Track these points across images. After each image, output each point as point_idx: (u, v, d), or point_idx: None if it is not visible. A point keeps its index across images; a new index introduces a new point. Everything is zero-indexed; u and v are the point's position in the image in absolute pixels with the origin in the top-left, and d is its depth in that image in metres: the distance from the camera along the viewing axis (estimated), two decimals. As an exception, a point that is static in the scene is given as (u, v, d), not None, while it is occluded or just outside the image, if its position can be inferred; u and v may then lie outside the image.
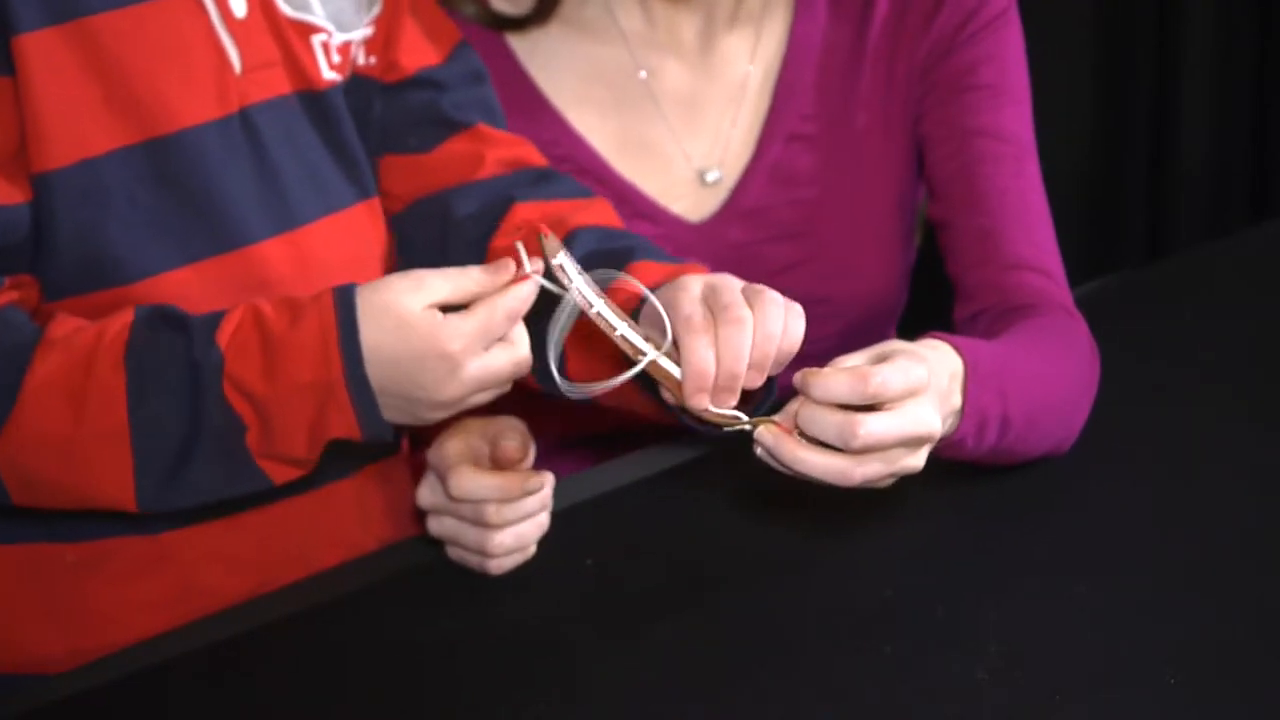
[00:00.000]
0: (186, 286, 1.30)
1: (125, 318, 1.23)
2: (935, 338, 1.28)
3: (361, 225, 1.40)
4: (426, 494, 1.35)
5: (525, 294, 1.19)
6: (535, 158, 1.46)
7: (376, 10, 1.41)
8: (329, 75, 1.37)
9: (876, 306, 1.60)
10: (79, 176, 1.26)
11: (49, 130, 1.25)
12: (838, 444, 1.16)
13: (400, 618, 1.30)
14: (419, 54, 1.45)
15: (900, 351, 1.20)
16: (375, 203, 1.41)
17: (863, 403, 1.16)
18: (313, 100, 1.36)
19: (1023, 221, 1.52)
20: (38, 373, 1.22)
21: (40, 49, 1.24)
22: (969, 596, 1.28)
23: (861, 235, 1.59)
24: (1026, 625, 1.25)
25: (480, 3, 1.56)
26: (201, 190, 1.30)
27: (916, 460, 1.20)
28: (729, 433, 1.19)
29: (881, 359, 1.19)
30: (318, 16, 1.36)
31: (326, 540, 1.40)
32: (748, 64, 1.59)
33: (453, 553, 1.35)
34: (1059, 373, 1.40)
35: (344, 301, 1.20)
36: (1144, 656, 1.22)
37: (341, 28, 1.38)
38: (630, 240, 1.37)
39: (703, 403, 1.18)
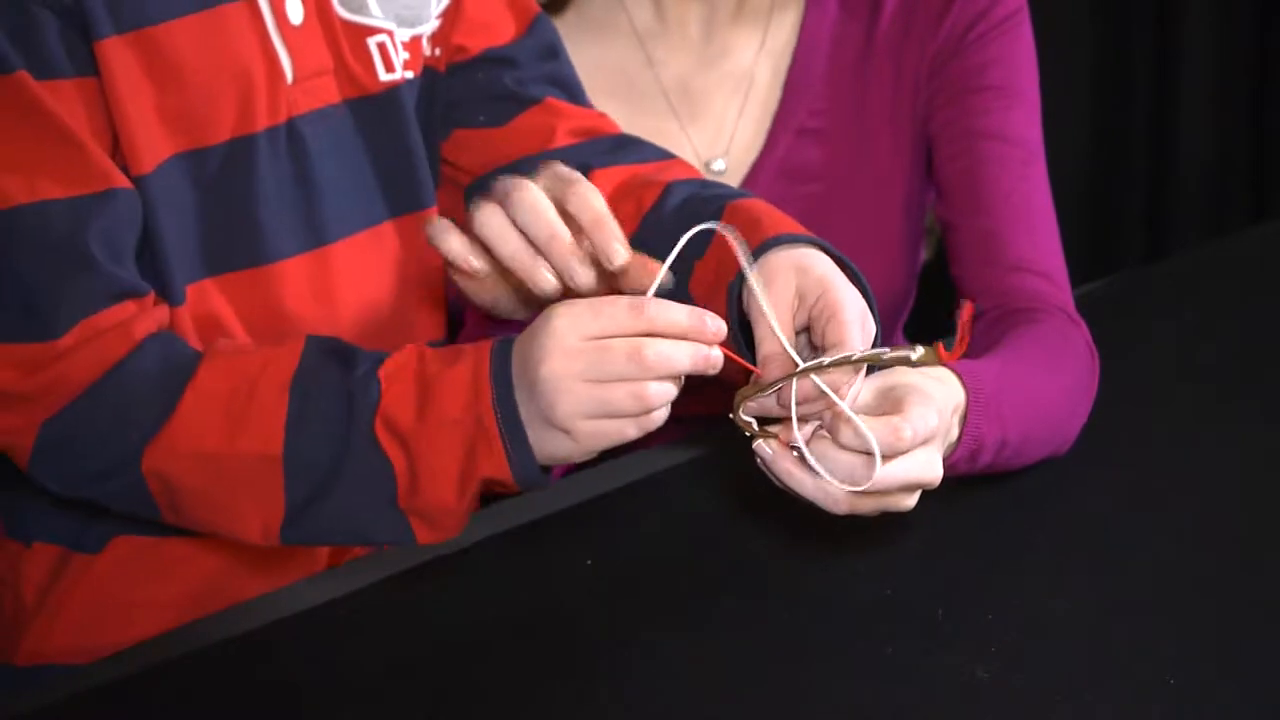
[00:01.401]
0: (211, 299, 1.30)
1: (296, 345, 1.23)
2: (943, 365, 1.26)
3: (402, 239, 1.39)
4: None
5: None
6: (610, 127, 1.45)
7: (446, 2, 1.41)
8: (386, 77, 1.36)
9: (883, 306, 1.60)
10: (159, 182, 1.26)
11: (134, 136, 1.25)
12: (845, 484, 1.16)
13: (396, 619, 1.30)
14: (484, 34, 1.44)
15: (913, 392, 1.18)
16: (429, 214, 1.39)
17: (887, 453, 1.15)
18: (365, 106, 1.35)
19: (1026, 224, 1.52)
20: (200, 384, 1.21)
21: (117, 55, 1.24)
22: (969, 597, 1.28)
23: (868, 232, 1.60)
24: (1026, 626, 1.25)
25: None
26: (240, 203, 1.30)
27: (910, 501, 1.20)
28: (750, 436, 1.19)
29: (892, 397, 1.18)
30: (375, 17, 1.36)
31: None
32: (755, 56, 1.60)
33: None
34: (1057, 386, 1.40)
35: (502, 342, 1.19)
36: (1143, 657, 1.22)
37: (407, 23, 1.37)
38: (723, 187, 1.36)
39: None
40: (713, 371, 1.16)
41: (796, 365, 1.16)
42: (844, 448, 1.15)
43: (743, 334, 1.24)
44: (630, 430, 1.16)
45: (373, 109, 1.36)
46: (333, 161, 1.34)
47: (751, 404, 1.18)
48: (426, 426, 1.19)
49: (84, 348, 1.21)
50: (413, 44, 1.39)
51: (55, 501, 1.31)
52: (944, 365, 1.17)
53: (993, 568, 1.32)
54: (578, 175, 1.22)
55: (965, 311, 1.15)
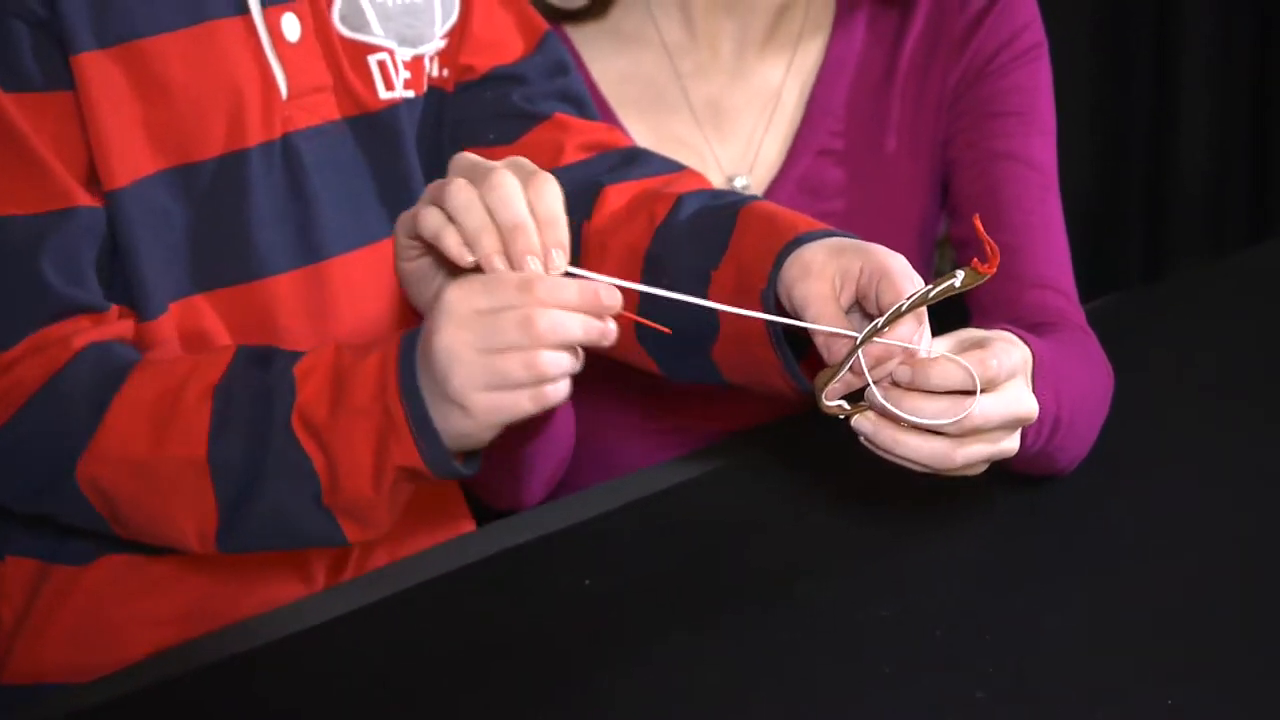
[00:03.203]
0: (200, 315, 1.29)
1: (226, 352, 1.23)
2: (1001, 328, 1.27)
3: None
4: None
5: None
6: (620, 140, 1.45)
7: (452, 22, 1.41)
8: (386, 95, 1.36)
9: None
10: (137, 198, 1.26)
11: (110, 150, 1.25)
12: (949, 427, 1.17)
13: (394, 640, 1.30)
14: (491, 52, 1.44)
15: (995, 337, 1.21)
16: None
17: (974, 388, 1.17)
18: (365, 124, 1.36)
19: (1045, 243, 1.54)
20: (127, 393, 1.21)
21: (97, 69, 1.25)
22: (967, 618, 1.28)
23: None
24: (1024, 646, 1.25)
25: None
26: (233, 218, 1.30)
27: (1012, 442, 1.21)
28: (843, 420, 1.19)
29: (974, 344, 1.20)
30: (377, 36, 1.36)
31: (335, 563, 1.40)
32: (783, 77, 1.62)
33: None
34: (1091, 385, 1.41)
35: (412, 331, 1.19)
36: (1143, 677, 1.22)
37: (409, 42, 1.38)
38: (734, 194, 1.37)
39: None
40: (606, 343, 1.15)
41: (855, 335, 1.17)
42: (934, 393, 1.16)
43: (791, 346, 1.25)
44: (525, 403, 1.14)
45: (373, 127, 1.36)
46: (330, 178, 1.34)
47: (834, 387, 1.18)
48: (339, 419, 1.19)
49: (28, 360, 1.22)
50: (414, 64, 1.39)
51: (25, 515, 1.31)
52: (987, 275, 1.16)
53: (992, 588, 1.32)
54: (538, 169, 1.20)
55: (977, 221, 1.16)
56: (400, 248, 1.24)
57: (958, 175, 1.59)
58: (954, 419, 1.17)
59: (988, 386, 1.17)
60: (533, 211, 1.16)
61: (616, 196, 1.38)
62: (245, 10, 1.31)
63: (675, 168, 1.43)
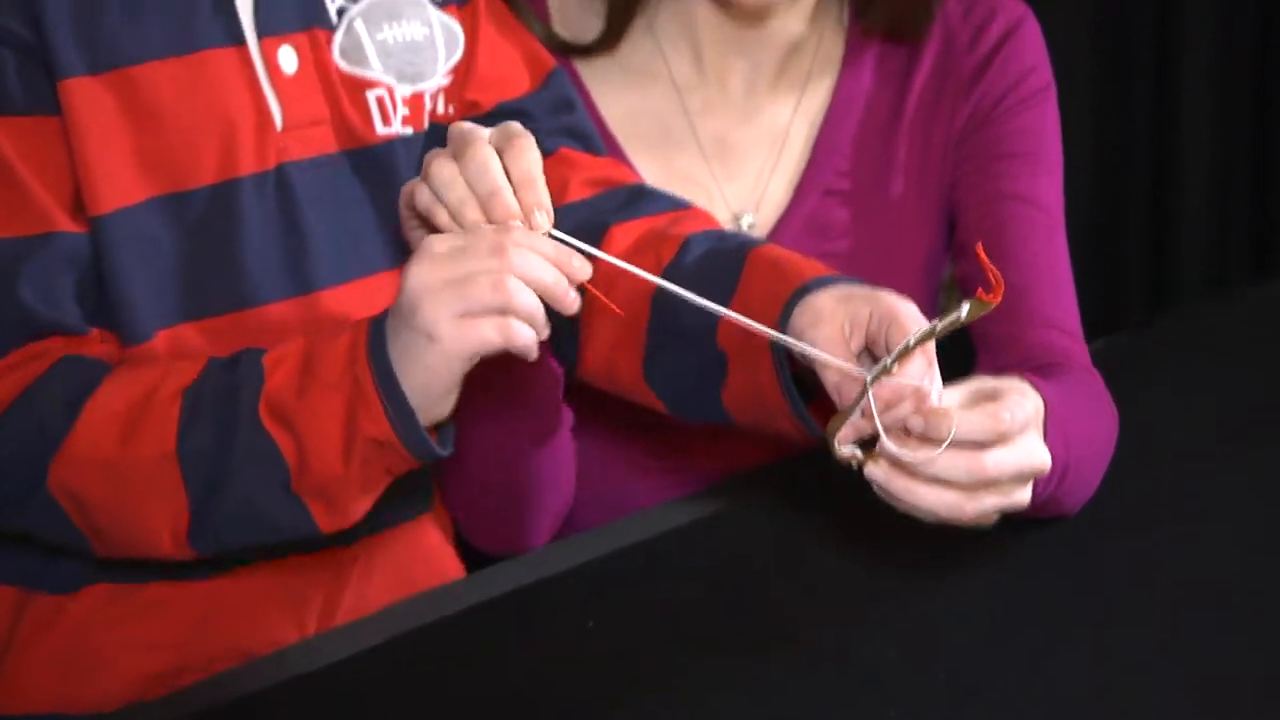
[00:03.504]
0: (189, 343, 1.29)
1: (202, 359, 1.24)
2: (1013, 375, 1.27)
3: (393, 290, 1.38)
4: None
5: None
6: (625, 176, 1.46)
7: (456, 59, 1.42)
8: (383, 130, 1.37)
9: None
10: (119, 224, 1.26)
11: (96, 176, 1.25)
12: (962, 480, 1.17)
13: (395, 684, 1.29)
14: (497, 88, 1.44)
15: (1008, 387, 1.21)
16: None
17: (990, 440, 1.17)
18: (362, 157, 1.36)
19: (1052, 283, 1.54)
20: (99, 398, 1.22)
21: (84, 95, 1.25)
22: (972, 660, 1.27)
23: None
24: (1030, 688, 1.24)
25: (546, 25, 1.59)
26: (224, 247, 1.30)
27: (1025, 494, 1.22)
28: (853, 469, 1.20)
29: (987, 395, 1.20)
30: (375, 71, 1.36)
31: (331, 601, 1.40)
32: (790, 116, 1.62)
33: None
34: (1097, 428, 1.41)
35: (377, 317, 1.20)
36: (1148, 720, 1.21)
37: (409, 79, 1.38)
38: (741, 237, 1.38)
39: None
40: (566, 311, 1.17)
41: (864, 377, 1.17)
42: (947, 445, 1.16)
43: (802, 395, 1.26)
44: (491, 332, 1.15)
45: (370, 161, 1.37)
46: (325, 209, 1.34)
47: (845, 432, 1.18)
48: (307, 398, 1.20)
49: (3, 379, 1.23)
50: (414, 100, 1.39)
51: (5, 541, 1.31)
52: (992, 305, 1.15)
53: (996, 631, 1.32)
54: (521, 130, 1.22)
55: (980, 250, 1.16)
56: (403, 220, 1.28)
57: (964, 216, 1.59)
58: (966, 472, 1.16)
59: (1000, 440, 1.17)
60: (510, 175, 1.19)
61: (623, 236, 1.38)
62: (241, 41, 1.31)
63: (681, 205, 1.44)
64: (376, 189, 1.37)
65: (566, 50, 1.59)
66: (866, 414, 1.17)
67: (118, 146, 1.26)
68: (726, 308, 1.27)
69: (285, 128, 1.32)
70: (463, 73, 1.43)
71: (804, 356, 1.22)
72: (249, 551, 1.33)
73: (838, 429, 1.18)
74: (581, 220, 1.37)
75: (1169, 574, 1.38)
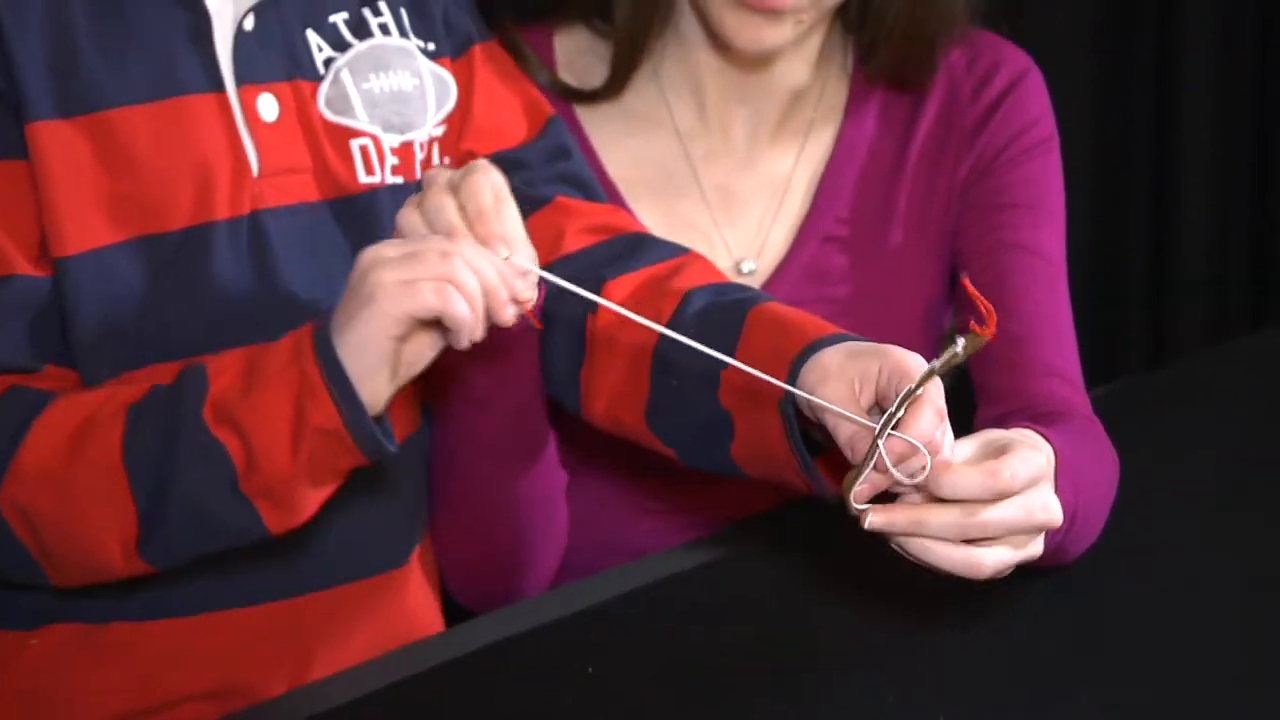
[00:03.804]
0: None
1: (145, 385, 1.24)
2: (1022, 427, 1.28)
3: None
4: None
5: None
6: (624, 222, 1.47)
7: (448, 109, 1.42)
8: (366, 180, 1.37)
9: None
10: (88, 266, 1.27)
11: (61, 218, 1.26)
12: (953, 536, 1.18)
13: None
14: (494, 138, 1.45)
15: (1017, 441, 1.21)
16: None
17: (990, 497, 1.17)
18: (346, 206, 1.36)
19: (1054, 332, 1.54)
20: (46, 417, 1.23)
21: (55, 138, 1.26)
22: (970, 704, 1.27)
23: (888, 340, 1.60)
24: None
25: (551, 72, 1.60)
26: (194, 290, 1.30)
27: (1036, 546, 1.22)
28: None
29: (996, 449, 1.20)
30: (360, 121, 1.37)
31: (306, 649, 1.39)
32: (793, 165, 1.62)
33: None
34: (1101, 475, 1.41)
35: (324, 318, 1.21)
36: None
37: (396, 129, 1.38)
38: (740, 292, 1.38)
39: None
40: (501, 322, 1.19)
41: (873, 429, 1.17)
42: (950, 501, 1.17)
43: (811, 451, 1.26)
44: (430, 295, 1.17)
45: (352, 210, 1.36)
46: (299, 257, 1.34)
47: (862, 489, 1.18)
48: (252, 396, 1.20)
49: None
50: (403, 150, 1.39)
51: None
52: (987, 337, 1.17)
53: (995, 677, 1.31)
54: (480, 163, 1.26)
55: (966, 282, 1.17)
56: None
57: (965, 265, 1.60)
58: (959, 529, 1.17)
59: (999, 497, 1.18)
60: (465, 209, 1.22)
61: (619, 290, 1.38)
62: (221, 88, 1.31)
63: (679, 251, 1.44)
64: (357, 237, 1.36)
65: (571, 96, 1.60)
66: (880, 468, 1.17)
67: (88, 189, 1.27)
68: (725, 366, 1.28)
69: (262, 174, 1.32)
70: (458, 123, 1.43)
71: (813, 412, 1.22)
72: (226, 594, 1.33)
73: (852, 485, 1.18)
74: (575, 272, 1.37)
75: (1169, 619, 1.38)
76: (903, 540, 1.19)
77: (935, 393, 1.17)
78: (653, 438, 1.37)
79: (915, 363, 1.19)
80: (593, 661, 1.34)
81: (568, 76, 1.61)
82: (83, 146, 1.26)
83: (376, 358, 1.19)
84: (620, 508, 1.61)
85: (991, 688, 1.30)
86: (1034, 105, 1.62)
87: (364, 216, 1.37)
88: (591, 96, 1.60)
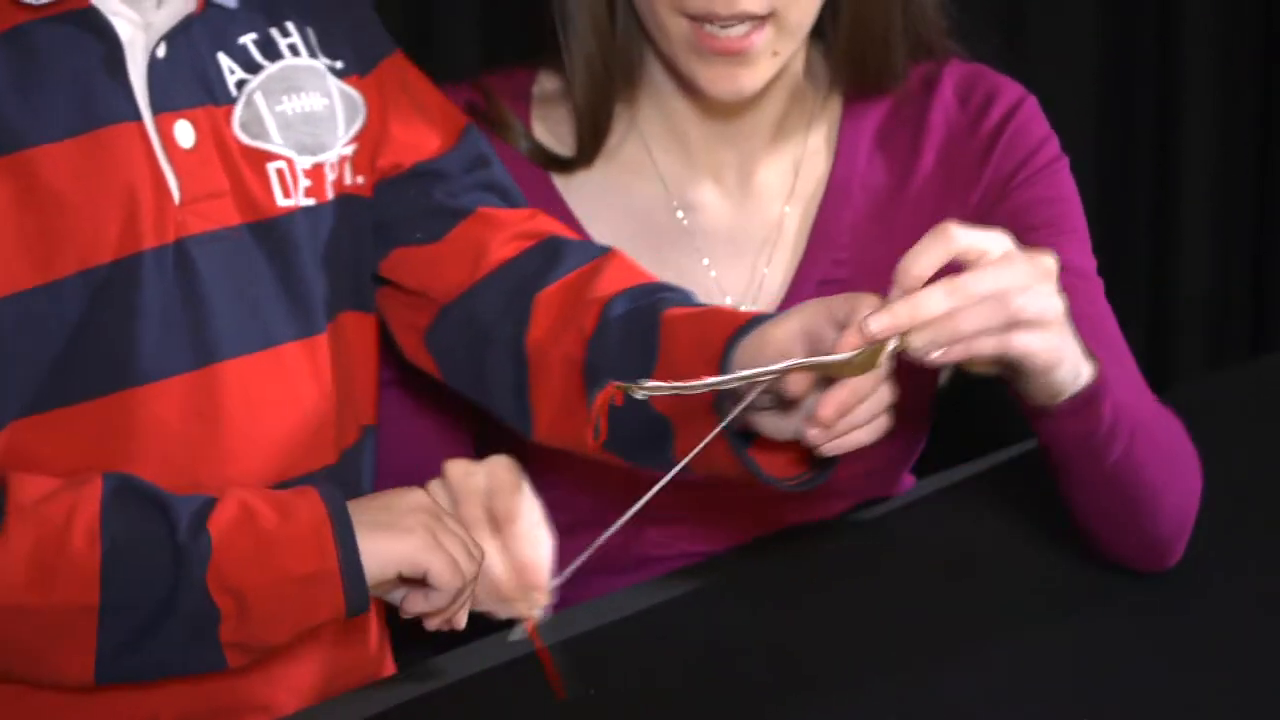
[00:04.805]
0: (61, 427, 1.28)
1: (95, 489, 1.23)
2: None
3: (295, 362, 1.37)
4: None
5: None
6: (545, 225, 1.46)
7: (357, 127, 1.42)
8: (284, 203, 1.36)
9: (900, 445, 1.59)
10: (10, 309, 1.25)
11: None
12: (961, 303, 1.21)
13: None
14: (414, 150, 1.45)
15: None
16: (319, 340, 1.39)
17: (953, 261, 1.22)
18: (264, 231, 1.35)
19: (1104, 344, 1.47)
20: (10, 546, 1.21)
21: None
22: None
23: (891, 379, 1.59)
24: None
25: (531, 139, 1.58)
26: (122, 322, 1.29)
27: (1052, 296, 1.27)
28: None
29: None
30: (275, 144, 1.36)
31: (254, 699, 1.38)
32: (785, 204, 1.60)
33: None
34: (1168, 427, 1.44)
35: (330, 495, 1.24)
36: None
37: (310, 151, 1.38)
38: (655, 294, 1.40)
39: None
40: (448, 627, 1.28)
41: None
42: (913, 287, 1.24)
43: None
44: (447, 571, 1.24)
45: (271, 233, 1.36)
46: (225, 282, 1.32)
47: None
48: (268, 580, 1.23)
49: None
50: (315, 172, 1.38)
51: None
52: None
53: (997, 705, 1.31)
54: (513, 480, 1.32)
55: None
56: None
57: None
58: (963, 294, 1.22)
59: (970, 259, 1.25)
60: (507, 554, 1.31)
61: (547, 304, 1.40)
62: (138, 117, 1.30)
63: (599, 252, 1.44)
64: (277, 260, 1.36)
65: (548, 164, 1.58)
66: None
67: (10, 232, 1.25)
68: (653, 370, 1.32)
69: (183, 201, 1.31)
70: (372, 140, 1.43)
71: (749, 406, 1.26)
72: None
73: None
74: (509, 291, 1.41)
75: (1172, 646, 1.38)
76: (930, 336, 1.22)
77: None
78: (603, 451, 1.38)
79: (865, 299, 1.23)
80: (595, 684, 1.34)
81: (543, 128, 1.59)
82: (5, 189, 1.25)
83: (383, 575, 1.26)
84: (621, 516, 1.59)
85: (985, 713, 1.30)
86: (1035, 130, 1.60)
87: (283, 240, 1.36)
88: (568, 164, 1.58)
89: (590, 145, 1.58)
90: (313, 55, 1.40)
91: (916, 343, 1.22)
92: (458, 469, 1.31)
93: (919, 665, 1.35)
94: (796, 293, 1.58)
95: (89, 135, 1.27)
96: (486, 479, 1.30)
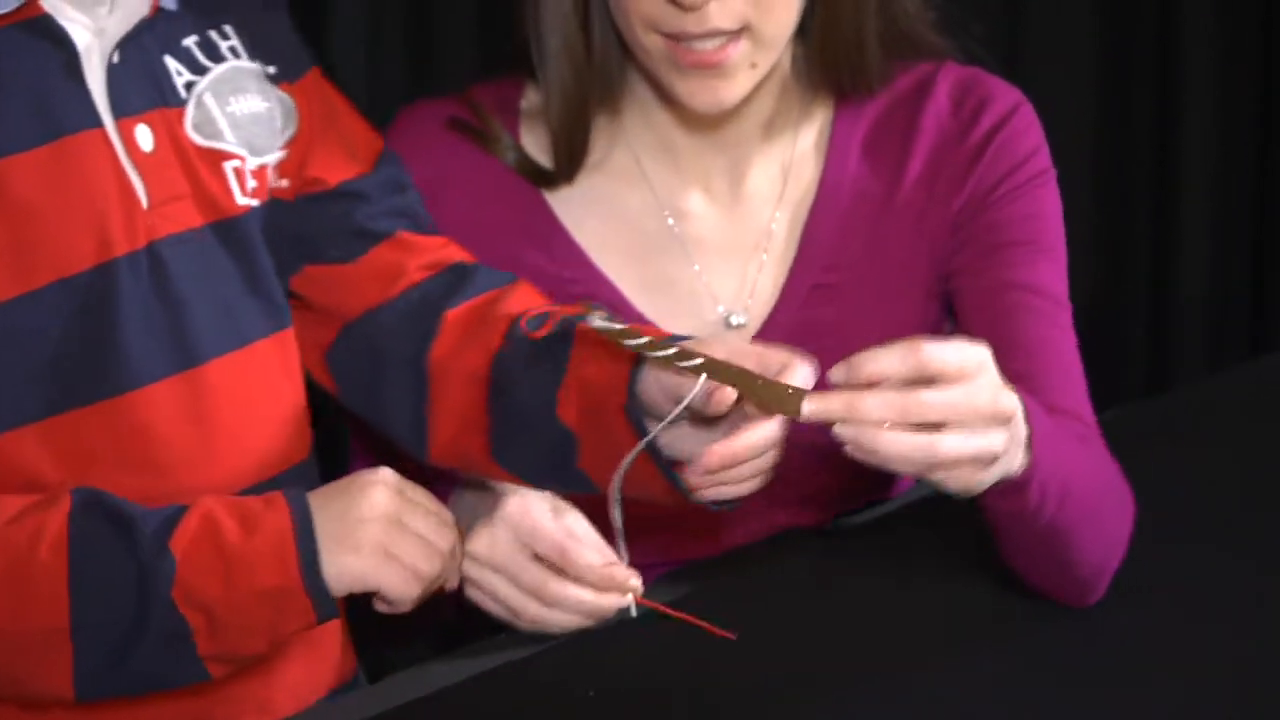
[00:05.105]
0: (53, 436, 1.28)
1: (64, 506, 1.23)
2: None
3: (270, 359, 1.38)
4: (484, 545, 1.37)
5: None
6: (457, 254, 1.47)
7: (291, 133, 1.42)
8: (243, 201, 1.36)
9: None
10: None
11: None
12: (898, 419, 1.19)
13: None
14: (340, 168, 1.45)
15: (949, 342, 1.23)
16: (288, 334, 1.40)
17: (916, 375, 1.19)
18: (227, 230, 1.35)
19: (1060, 370, 1.50)
20: None
21: None
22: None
23: None
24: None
25: (519, 150, 1.58)
26: (104, 330, 1.29)
27: (996, 439, 1.23)
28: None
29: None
30: (229, 143, 1.36)
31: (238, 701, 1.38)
32: (775, 210, 1.60)
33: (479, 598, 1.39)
34: (1097, 469, 1.42)
35: (298, 504, 1.24)
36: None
37: (257, 151, 1.38)
38: (567, 314, 1.39)
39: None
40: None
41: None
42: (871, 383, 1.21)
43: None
44: (403, 585, 1.26)
45: (233, 232, 1.36)
46: (197, 283, 1.33)
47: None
48: (233, 597, 1.23)
49: None
50: (260, 172, 1.39)
51: None
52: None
53: (994, 706, 1.32)
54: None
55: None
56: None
57: (964, 306, 1.56)
58: (899, 410, 1.18)
59: (930, 377, 1.19)
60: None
61: (454, 322, 1.41)
62: (100, 124, 1.30)
63: (506, 280, 1.45)
64: (242, 259, 1.36)
65: (535, 177, 1.58)
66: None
67: None
68: (561, 381, 1.33)
69: (151, 205, 1.30)
70: (302, 148, 1.43)
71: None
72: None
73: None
74: (414, 312, 1.42)
75: (1171, 651, 1.38)
76: (852, 435, 1.19)
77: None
78: (500, 469, 1.39)
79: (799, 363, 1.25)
80: (595, 685, 1.34)
81: (531, 140, 1.59)
82: None
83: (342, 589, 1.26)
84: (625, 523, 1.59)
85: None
86: (1027, 140, 1.58)
87: (244, 238, 1.36)
88: (552, 179, 1.58)
89: (568, 165, 1.58)
90: (252, 59, 1.40)
91: (842, 434, 1.21)
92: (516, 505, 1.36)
93: (916, 666, 1.35)
94: (788, 297, 1.58)
95: (55, 144, 1.27)
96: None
